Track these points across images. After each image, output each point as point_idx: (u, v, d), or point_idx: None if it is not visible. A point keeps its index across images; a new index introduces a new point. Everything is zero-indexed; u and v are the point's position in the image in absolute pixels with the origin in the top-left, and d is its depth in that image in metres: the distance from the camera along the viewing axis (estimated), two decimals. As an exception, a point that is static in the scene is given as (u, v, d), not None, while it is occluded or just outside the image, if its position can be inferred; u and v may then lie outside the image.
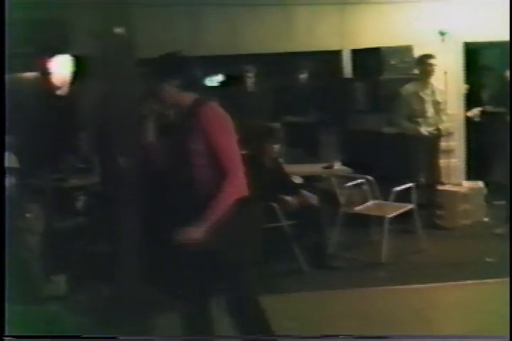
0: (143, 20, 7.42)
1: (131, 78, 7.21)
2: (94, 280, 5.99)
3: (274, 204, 6.52)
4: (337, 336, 4.47)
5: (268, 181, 6.73)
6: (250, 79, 8.80)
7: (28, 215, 6.12)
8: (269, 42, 9.07)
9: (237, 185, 4.02)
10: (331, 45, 9.40)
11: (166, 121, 4.28)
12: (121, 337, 2.94)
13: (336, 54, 9.61)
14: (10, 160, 7.21)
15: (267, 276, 6.43)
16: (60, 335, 3.01)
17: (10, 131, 7.57)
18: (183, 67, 4.15)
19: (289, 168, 7.28)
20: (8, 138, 7.47)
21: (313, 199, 6.82)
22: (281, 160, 7.24)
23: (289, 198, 6.71)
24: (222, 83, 10.94)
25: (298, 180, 7.42)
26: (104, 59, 6.74)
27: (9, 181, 6.81)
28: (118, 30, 6.83)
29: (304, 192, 6.93)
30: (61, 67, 8.00)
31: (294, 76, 9.04)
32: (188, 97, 4.10)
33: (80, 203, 7.09)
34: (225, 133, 4.01)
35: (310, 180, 7.74)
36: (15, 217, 5.98)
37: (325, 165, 7.79)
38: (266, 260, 6.67)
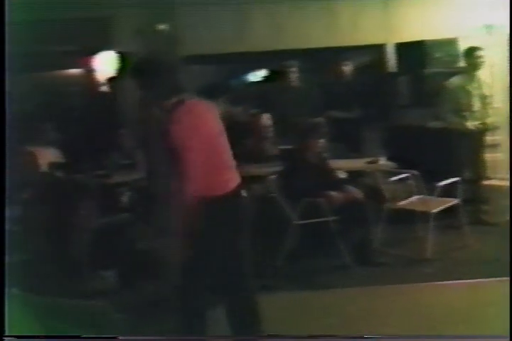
0: (187, 18, 7.48)
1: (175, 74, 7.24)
2: (139, 277, 6.04)
3: (319, 200, 6.51)
4: (335, 336, 4.45)
5: (312, 176, 6.73)
6: (294, 75, 8.77)
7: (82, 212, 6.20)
8: (313, 37, 9.06)
9: (192, 187, 3.95)
10: (375, 39, 9.37)
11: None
12: (121, 337, 2.94)
13: (380, 48, 9.56)
14: (54, 155, 7.32)
15: (311, 272, 6.45)
16: (60, 335, 3.01)
17: (55, 127, 7.70)
18: (167, 72, 4.19)
19: (333, 163, 7.25)
20: (52, 134, 7.60)
21: (358, 194, 6.79)
22: (325, 155, 7.21)
23: (333, 193, 6.68)
24: (266, 78, 10.96)
25: (342, 175, 7.39)
26: (148, 55, 6.77)
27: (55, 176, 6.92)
28: (162, 27, 6.88)
29: (349, 187, 6.90)
30: (105, 64, 8.09)
31: (337, 71, 8.99)
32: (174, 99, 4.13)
33: (125, 199, 7.15)
34: (188, 132, 3.97)
35: (354, 176, 7.70)
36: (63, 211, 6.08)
37: (369, 160, 7.74)
38: (311, 255, 6.72)
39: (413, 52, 9.03)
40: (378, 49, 9.59)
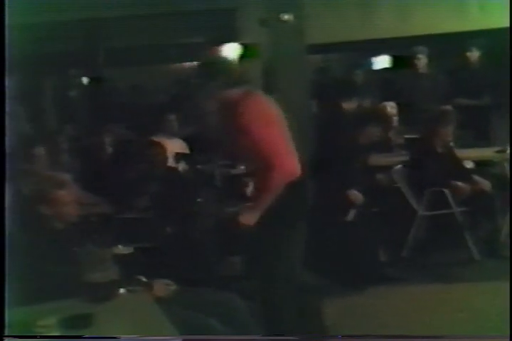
0: (311, 7, 7.44)
1: (300, 64, 7.24)
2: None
3: (446, 190, 6.39)
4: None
5: (439, 166, 6.61)
6: (421, 61, 8.61)
7: (199, 200, 6.29)
8: (440, 22, 8.88)
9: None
10: (503, 22, 9.09)
11: None
12: (122, 337, 2.96)
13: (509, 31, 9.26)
14: (180, 146, 7.46)
15: (437, 264, 6.34)
16: (60, 335, 3.05)
17: (181, 118, 7.86)
18: None
19: (460, 153, 7.09)
20: (178, 126, 7.76)
21: (485, 185, 6.63)
22: (452, 144, 7.06)
23: (460, 184, 6.54)
24: (392, 65, 10.81)
25: (469, 164, 7.22)
26: (273, 46, 6.79)
27: (180, 166, 7.06)
28: (286, 16, 6.87)
29: (476, 177, 6.74)
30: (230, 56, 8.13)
31: (466, 56, 8.77)
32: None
33: (248, 189, 7.20)
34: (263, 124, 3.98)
35: (482, 165, 7.50)
36: (188, 201, 6.19)
37: (498, 149, 7.52)
38: (437, 247, 6.61)
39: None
40: (507, 32, 9.29)
